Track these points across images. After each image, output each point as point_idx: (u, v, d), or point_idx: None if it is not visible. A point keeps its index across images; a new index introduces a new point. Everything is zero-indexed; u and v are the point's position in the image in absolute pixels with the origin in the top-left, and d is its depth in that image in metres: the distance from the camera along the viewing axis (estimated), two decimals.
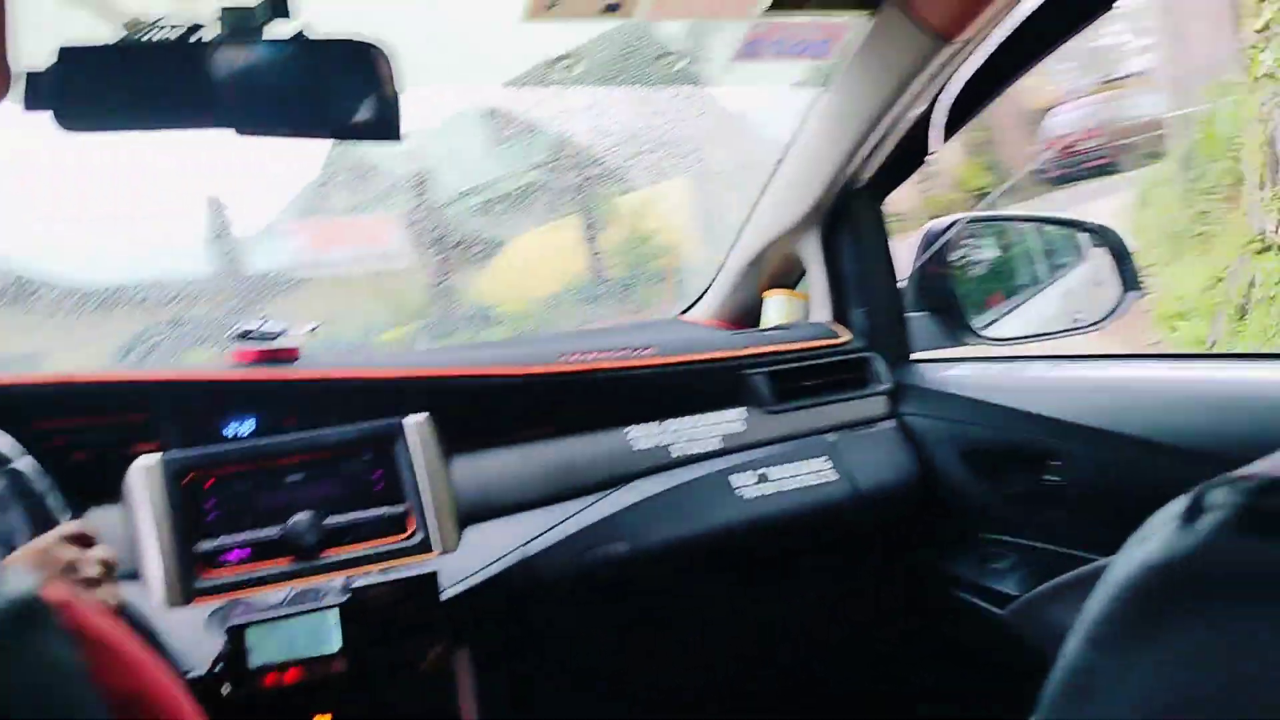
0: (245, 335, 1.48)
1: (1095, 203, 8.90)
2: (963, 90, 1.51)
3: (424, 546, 1.38)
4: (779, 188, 1.83)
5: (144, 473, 1.31)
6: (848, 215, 1.79)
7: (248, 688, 1.18)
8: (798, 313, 1.96)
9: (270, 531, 1.34)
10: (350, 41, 1.14)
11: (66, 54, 1.05)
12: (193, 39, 1.10)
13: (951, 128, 1.58)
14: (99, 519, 1.30)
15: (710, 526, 1.53)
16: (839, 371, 1.77)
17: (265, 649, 1.20)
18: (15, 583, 0.61)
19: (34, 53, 1.05)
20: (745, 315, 2.03)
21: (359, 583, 1.28)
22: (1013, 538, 1.60)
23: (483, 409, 1.55)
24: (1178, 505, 0.44)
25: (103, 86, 1.10)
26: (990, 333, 1.85)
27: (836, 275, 1.85)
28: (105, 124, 1.16)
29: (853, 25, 1.48)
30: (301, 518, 1.34)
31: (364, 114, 1.17)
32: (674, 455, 1.59)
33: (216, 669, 1.18)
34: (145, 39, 1.10)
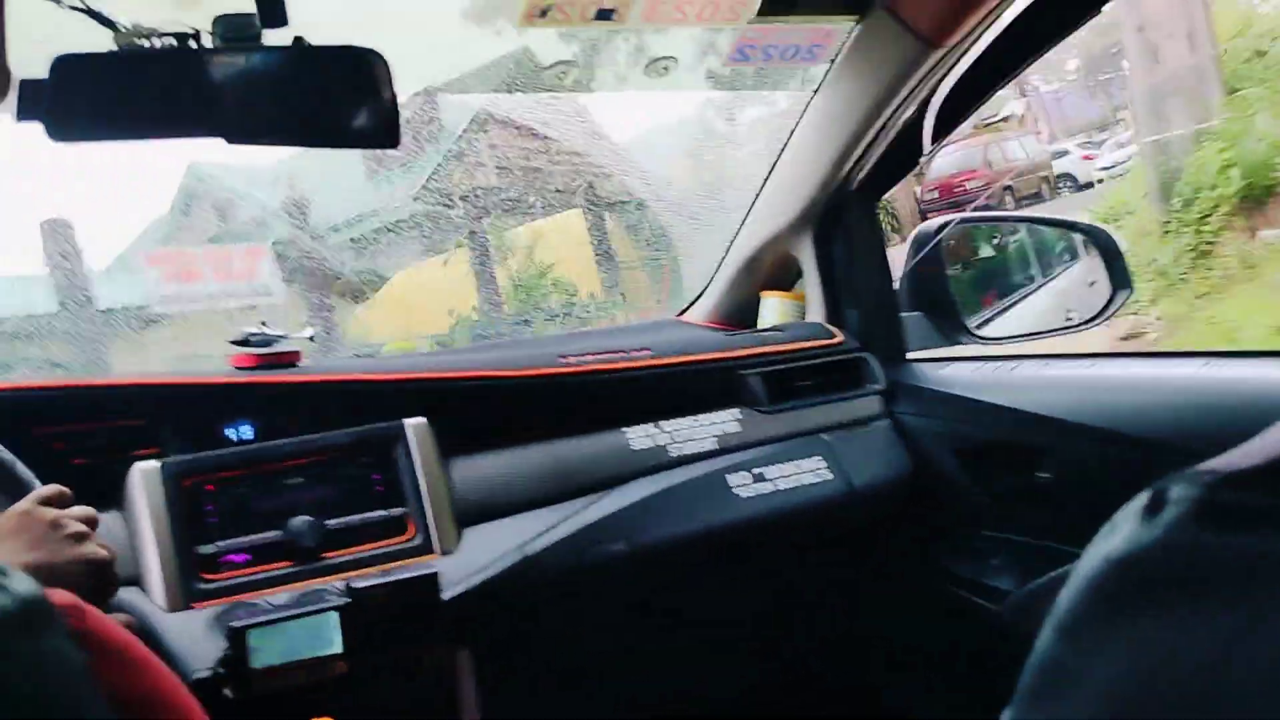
0: (245, 340, 1.50)
1: None
2: (951, 93, 1.53)
3: (424, 548, 1.40)
4: (773, 189, 1.85)
5: (144, 477, 1.32)
6: (841, 217, 1.80)
7: (250, 690, 1.19)
8: (793, 313, 1.98)
9: (271, 535, 1.35)
10: (347, 48, 1.15)
11: (61, 63, 1.06)
12: (189, 47, 1.11)
13: (941, 130, 1.60)
14: (100, 525, 1.31)
15: (707, 526, 1.54)
16: (834, 371, 1.78)
17: (267, 651, 1.21)
18: (21, 586, 0.62)
19: (27, 61, 1.07)
20: (742, 316, 2.04)
21: (360, 584, 1.29)
22: (1007, 534, 1.62)
23: (481, 411, 1.57)
24: (1140, 499, 0.45)
25: (97, 96, 1.11)
26: (984, 332, 1.87)
27: (831, 276, 1.87)
28: (98, 133, 1.18)
29: (841, 30, 1.50)
30: (302, 520, 1.35)
31: (362, 121, 1.19)
32: (671, 455, 1.60)
33: (218, 671, 1.19)
34: (140, 47, 1.11)
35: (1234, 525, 0.40)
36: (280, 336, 1.50)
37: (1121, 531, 0.44)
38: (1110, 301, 1.78)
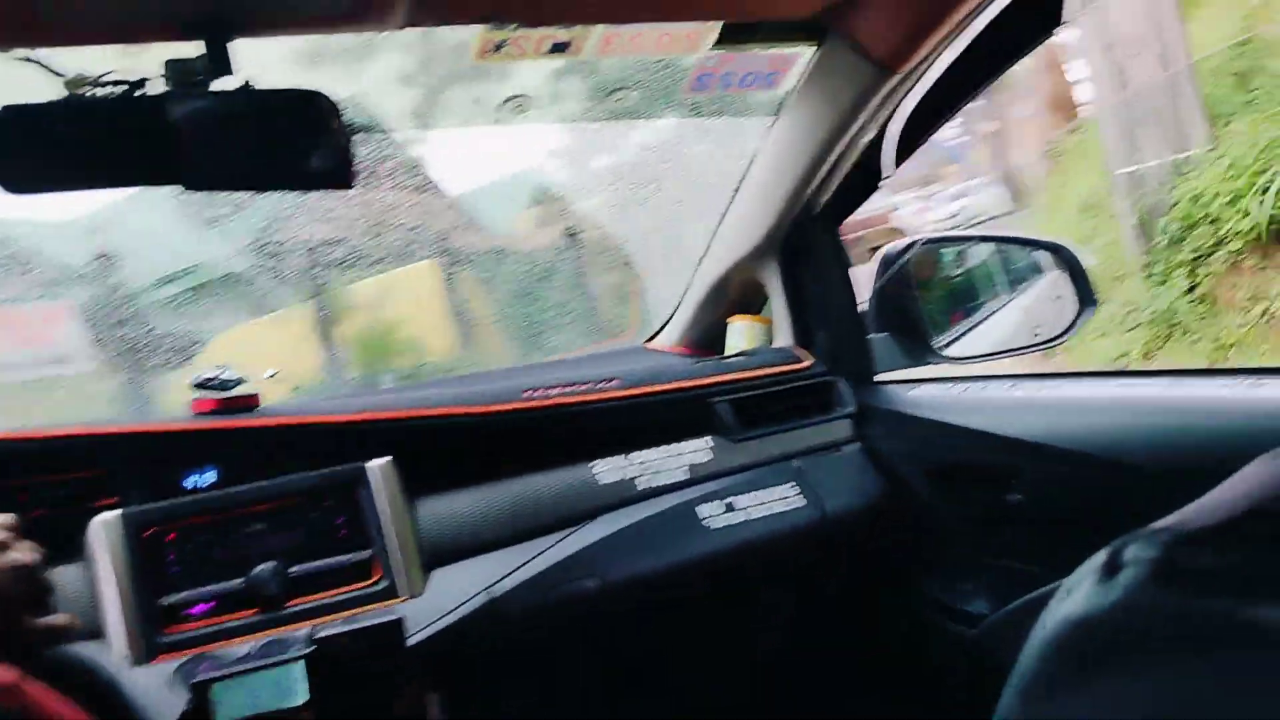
0: (203, 384, 1.47)
1: None
2: (910, 117, 1.53)
3: (390, 592, 1.38)
4: (737, 214, 1.85)
5: (103, 528, 1.30)
6: (805, 241, 1.80)
7: None
8: (760, 337, 1.97)
9: (234, 583, 1.33)
10: (296, 91, 1.14)
11: (7, 114, 1.05)
12: (138, 94, 1.10)
13: (902, 154, 1.60)
14: (59, 577, 1.28)
15: (679, 559, 1.53)
16: (803, 396, 1.77)
17: (230, 705, 1.19)
18: None
19: None
20: (710, 341, 2.04)
21: (324, 633, 1.27)
22: (980, 556, 1.61)
23: (446, 450, 1.55)
24: (1098, 559, 0.44)
25: (46, 145, 1.10)
26: (952, 351, 1.87)
27: (797, 300, 1.86)
28: (49, 183, 1.16)
29: (800, 56, 1.50)
30: (265, 568, 1.33)
31: (315, 163, 1.17)
32: (640, 488, 1.59)
33: None
34: (90, 95, 1.09)
35: (1192, 587, 0.39)
36: (239, 380, 1.48)
37: (1080, 592, 0.43)
38: (1076, 318, 1.79)
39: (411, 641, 1.31)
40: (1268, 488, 0.44)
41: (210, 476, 1.42)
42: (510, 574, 1.43)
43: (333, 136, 1.15)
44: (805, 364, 1.81)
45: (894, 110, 1.52)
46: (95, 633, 1.26)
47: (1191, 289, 6.37)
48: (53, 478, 1.35)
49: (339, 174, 1.18)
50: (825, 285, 1.83)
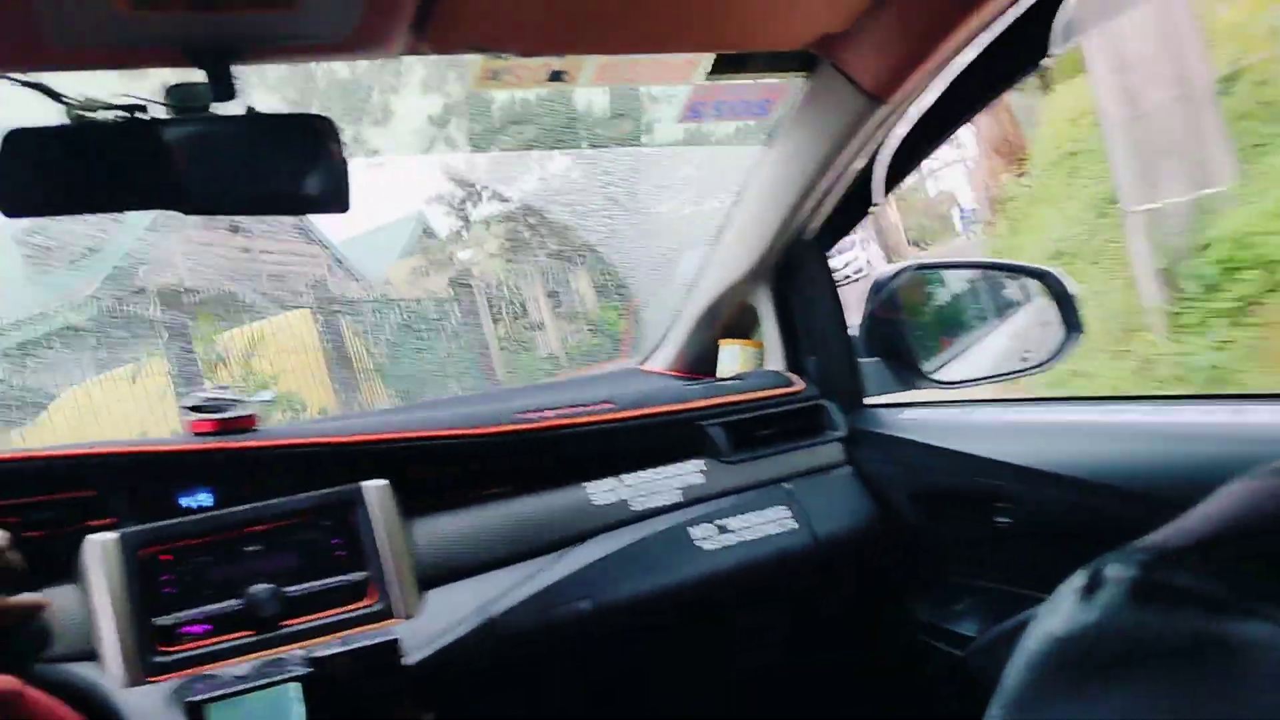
0: (199, 406, 1.48)
1: None
2: (900, 146, 1.56)
3: (386, 613, 1.38)
4: (729, 239, 1.87)
5: (99, 549, 1.31)
6: (796, 266, 1.82)
7: None
8: (752, 361, 1.99)
9: (230, 604, 1.33)
10: (299, 115, 1.16)
11: (11, 138, 1.06)
12: (140, 118, 1.11)
13: (891, 182, 1.63)
14: (55, 599, 1.29)
15: (672, 580, 1.54)
16: (794, 420, 1.79)
17: None
18: None
19: None
20: (702, 363, 2.05)
21: (320, 653, 1.28)
22: (970, 579, 1.63)
23: (441, 471, 1.56)
24: (1079, 578, 0.46)
25: (48, 169, 1.11)
26: (941, 376, 1.89)
27: (788, 324, 1.89)
28: (51, 207, 1.18)
29: (791, 85, 1.52)
30: (261, 588, 1.34)
31: (313, 186, 1.19)
32: (633, 510, 1.60)
33: None
34: (91, 120, 1.11)
35: (1170, 605, 0.41)
36: (236, 400, 1.49)
37: (1062, 610, 0.45)
38: (1064, 343, 1.81)
39: (407, 662, 1.32)
40: (1242, 508, 0.46)
41: (207, 497, 1.43)
42: (505, 595, 1.44)
43: (331, 159, 1.17)
44: (796, 388, 1.83)
45: (884, 139, 1.55)
46: (90, 654, 1.27)
47: (1230, 341, 5.53)
48: (48, 498, 1.36)
49: (337, 196, 1.19)
50: (816, 310, 1.85)
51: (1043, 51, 1.32)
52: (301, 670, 1.25)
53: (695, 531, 1.59)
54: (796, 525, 1.65)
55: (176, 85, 1.13)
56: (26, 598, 1.05)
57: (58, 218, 1.14)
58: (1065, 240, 7.43)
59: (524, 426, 1.60)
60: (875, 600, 1.77)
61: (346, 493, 1.44)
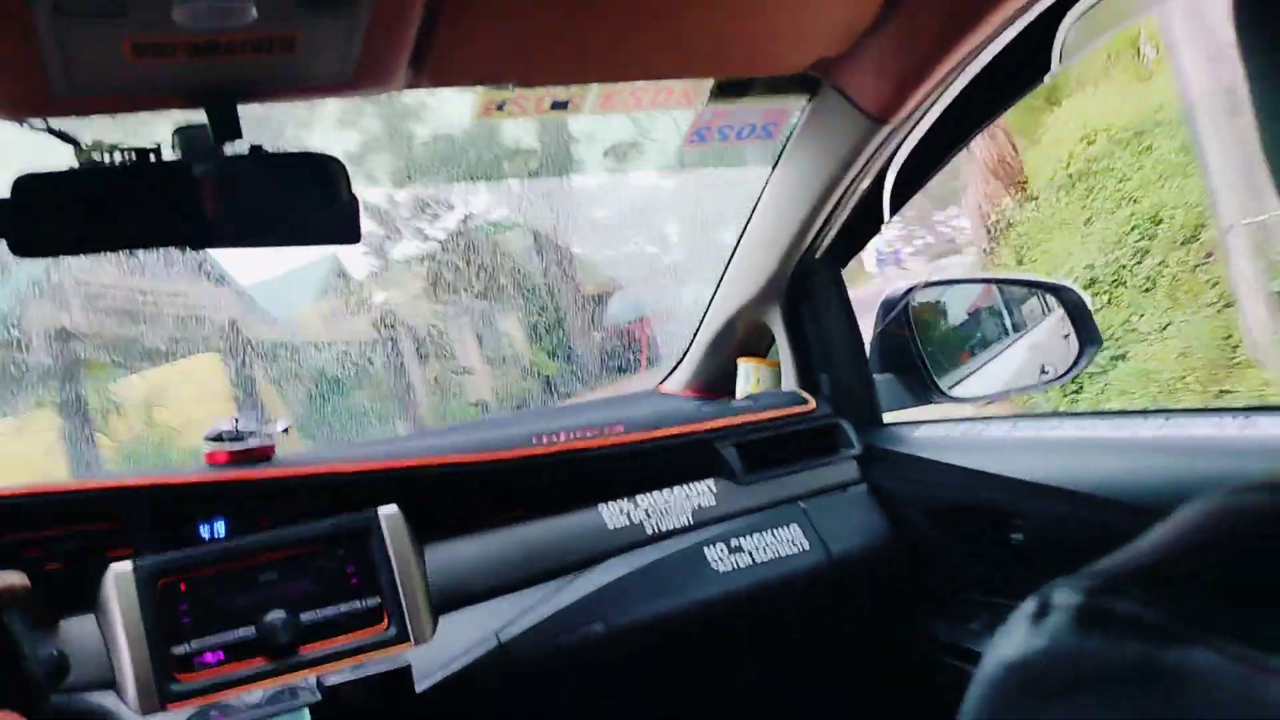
0: (218, 437, 1.51)
1: None
2: (905, 165, 1.56)
3: (400, 638, 1.40)
4: (741, 260, 1.87)
5: (118, 580, 1.33)
6: (808, 285, 1.82)
7: None
8: (769, 379, 1.99)
9: (245, 631, 1.35)
10: (306, 155, 1.18)
11: (22, 182, 1.09)
12: (150, 160, 1.14)
13: (898, 200, 1.63)
14: (75, 628, 1.32)
15: (686, 603, 1.55)
16: (808, 439, 1.79)
17: None
18: None
19: None
20: (720, 382, 2.06)
21: (332, 680, 1.29)
22: (985, 596, 1.62)
23: (455, 496, 1.57)
24: (1029, 605, 0.46)
25: (60, 212, 1.13)
26: (957, 392, 1.88)
27: (801, 343, 1.88)
28: (63, 248, 1.20)
29: (795, 106, 1.53)
30: (276, 616, 1.35)
31: (323, 220, 1.21)
32: (647, 532, 1.61)
33: None
34: (101, 164, 1.13)
35: (1112, 632, 0.41)
36: (253, 432, 1.52)
37: (1014, 636, 0.45)
38: (1080, 357, 1.80)
39: (420, 688, 1.33)
40: (1191, 532, 0.46)
41: (224, 527, 1.45)
42: (518, 618, 1.45)
43: (340, 195, 1.19)
44: (810, 406, 1.83)
45: (890, 158, 1.55)
46: (109, 682, 1.29)
47: None
48: (69, 529, 1.38)
49: (348, 230, 1.22)
50: (829, 328, 1.85)
51: (1045, 67, 1.32)
52: (314, 698, 1.27)
53: (709, 553, 1.60)
54: (810, 544, 1.65)
55: (183, 128, 1.15)
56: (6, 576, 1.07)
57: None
58: (1098, 267, 6.87)
59: (537, 451, 1.61)
60: (890, 617, 1.76)
61: (360, 520, 1.45)
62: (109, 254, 1.21)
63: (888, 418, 1.86)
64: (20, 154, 1.18)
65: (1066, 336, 1.84)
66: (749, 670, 1.72)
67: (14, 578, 1.08)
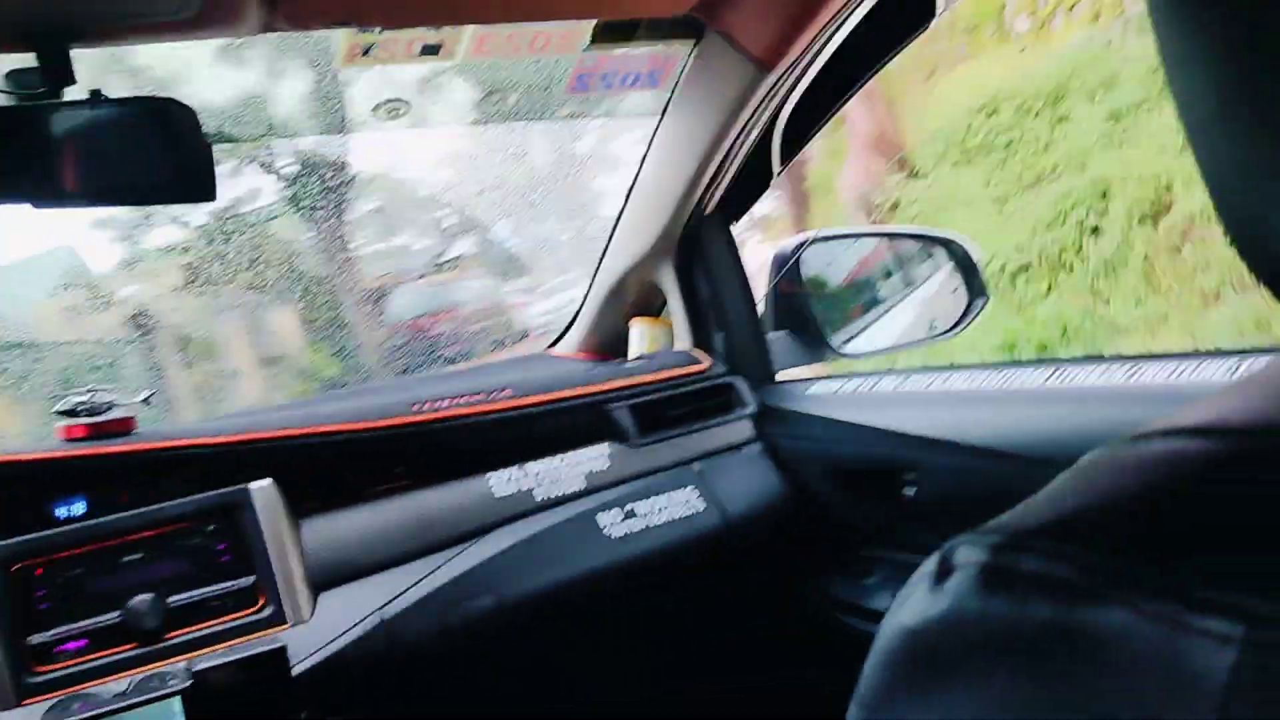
0: (73, 411, 1.41)
1: None
2: (793, 115, 1.53)
3: (276, 619, 1.33)
4: (631, 216, 1.83)
5: None
6: (699, 241, 1.79)
7: None
8: (661, 339, 1.96)
9: (109, 617, 1.27)
10: (150, 99, 1.09)
11: None
12: None
13: (788, 151, 1.60)
14: None
15: (579, 571, 1.51)
16: (702, 399, 1.76)
17: None
18: None
19: None
20: (612, 345, 2.01)
21: (203, 665, 1.22)
22: (882, 552, 1.62)
23: (332, 468, 1.50)
24: (930, 564, 0.43)
25: None
26: (849, 348, 1.87)
27: (694, 301, 1.85)
28: None
29: (681, 55, 1.48)
30: (142, 600, 1.27)
31: (174, 174, 1.13)
32: (537, 499, 1.56)
33: None
34: None
35: (1019, 592, 0.38)
36: (111, 404, 1.42)
37: (913, 600, 0.42)
38: (968, 309, 1.81)
39: (297, 669, 1.27)
40: (1097, 484, 0.43)
41: (82, 506, 1.35)
42: (402, 594, 1.39)
43: (191, 146, 1.11)
44: (704, 366, 1.79)
45: (778, 109, 1.52)
46: None
47: None
48: None
49: (200, 185, 1.13)
50: (721, 286, 1.81)
51: (929, 13, 1.30)
52: (184, 684, 1.19)
53: (602, 518, 1.56)
54: (706, 506, 1.62)
55: (12, 71, 1.06)
56: None
57: None
58: (1030, 250, 6.19)
59: (419, 418, 1.54)
60: (787, 577, 1.75)
61: (231, 495, 1.37)
62: None
63: (782, 376, 1.84)
64: None
65: (955, 290, 1.85)
66: (645, 638, 1.69)
67: None
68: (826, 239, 1.89)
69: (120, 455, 1.39)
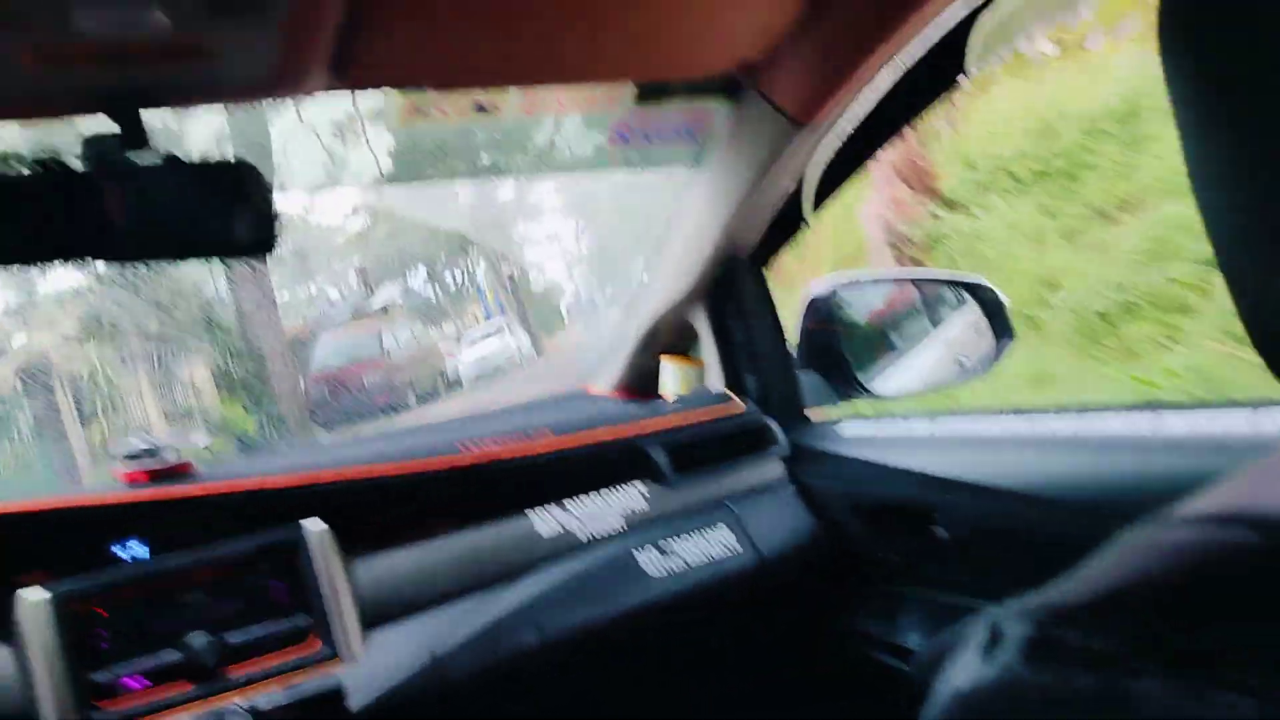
0: (133, 455, 1.46)
1: None
2: (827, 167, 1.58)
3: (330, 656, 1.37)
4: (666, 260, 1.88)
5: (32, 607, 1.28)
6: (732, 285, 1.84)
7: None
8: (694, 379, 2.00)
9: (168, 655, 1.31)
10: (222, 163, 1.15)
11: None
12: (55, 171, 1.10)
13: (820, 200, 1.65)
14: None
15: (619, 609, 1.54)
16: (735, 439, 1.80)
17: None
18: None
19: None
20: (646, 383, 2.06)
21: (262, 702, 1.26)
22: (912, 591, 1.65)
23: (383, 508, 1.54)
24: (981, 633, 0.47)
25: None
26: (879, 388, 1.91)
27: (726, 343, 1.90)
28: None
29: (718, 109, 1.54)
30: (201, 638, 1.32)
31: (240, 231, 1.18)
32: (578, 538, 1.60)
33: None
34: (5, 175, 1.09)
35: (1064, 663, 0.42)
36: (169, 447, 1.47)
37: (966, 666, 0.46)
38: (997, 349, 1.85)
39: (353, 709, 1.31)
40: (1134, 562, 0.47)
41: (143, 547, 1.40)
42: (451, 632, 1.44)
43: (258, 204, 1.16)
44: (737, 406, 1.84)
45: (809, 160, 1.57)
46: (28, 714, 1.24)
47: None
48: None
49: (264, 241, 1.18)
50: (753, 328, 1.86)
51: (959, 70, 1.35)
52: None
53: (640, 557, 1.60)
54: (740, 545, 1.66)
55: (91, 136, 1.11)
56: None
57: None
58: (1132, 285, 5.18)
59: (463, 459, 1.59)
60: (821, 616, 1.78)
61: (285, 535, 1.42)
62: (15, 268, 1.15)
63: (814, 416, 1.88)
64: None
65: (982, 331, 1.89)
66: (683, 674, 1.72)
67: None
68: (858, 282, 1.94)
69: (180, 499, 1.44)
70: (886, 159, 7.20)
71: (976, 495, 1.41)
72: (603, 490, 1.67)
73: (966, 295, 1.91)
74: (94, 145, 1.12)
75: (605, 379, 2.11)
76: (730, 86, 1.47)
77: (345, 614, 1.39)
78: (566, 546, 1.59)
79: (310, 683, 1.31)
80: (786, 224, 1.74)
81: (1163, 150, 5.58)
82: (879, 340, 2.02)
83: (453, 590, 1.49)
